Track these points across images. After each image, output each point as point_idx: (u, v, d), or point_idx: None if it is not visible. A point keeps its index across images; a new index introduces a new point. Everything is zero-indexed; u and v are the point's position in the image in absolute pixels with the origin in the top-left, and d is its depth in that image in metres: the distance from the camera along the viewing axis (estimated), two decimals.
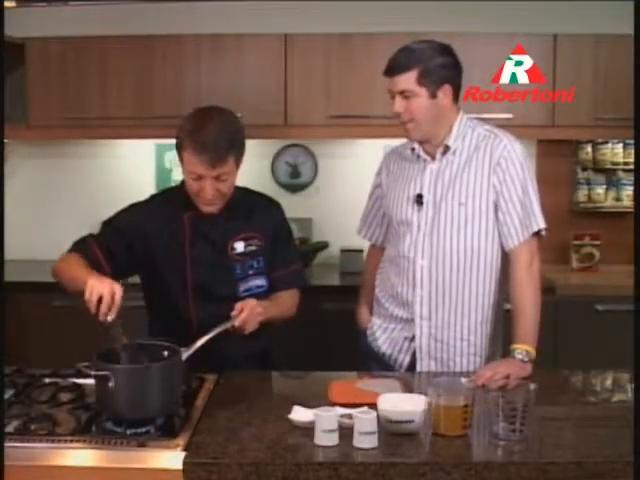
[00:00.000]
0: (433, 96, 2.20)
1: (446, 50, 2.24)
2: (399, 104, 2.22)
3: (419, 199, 2.29)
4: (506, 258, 2.29)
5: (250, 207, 2.31)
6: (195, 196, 2.18)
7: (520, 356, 2.10)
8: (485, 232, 2.25)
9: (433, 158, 2.30)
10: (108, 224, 2.26)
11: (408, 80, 2.19)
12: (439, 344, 2.31)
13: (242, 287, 2.26)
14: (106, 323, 1.82)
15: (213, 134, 2.08)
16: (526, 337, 2.14)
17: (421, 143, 2.30)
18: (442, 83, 2.20)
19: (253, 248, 2.27)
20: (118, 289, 1.85)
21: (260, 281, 2.29)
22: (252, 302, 2.12)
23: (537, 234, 2.25)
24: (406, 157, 2.37)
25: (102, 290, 1.83)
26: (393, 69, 2.22)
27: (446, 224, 2.26)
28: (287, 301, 2.33)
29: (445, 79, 2.21)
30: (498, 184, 2.22)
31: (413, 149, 2.33)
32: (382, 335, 2.42)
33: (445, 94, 2.22)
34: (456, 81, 2.25)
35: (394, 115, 2.25)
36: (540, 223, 2.24)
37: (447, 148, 2.27)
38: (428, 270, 2.29)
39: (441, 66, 2.20)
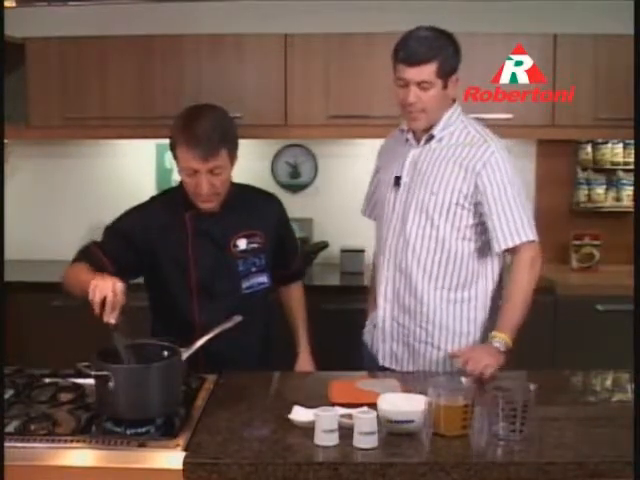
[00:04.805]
0: (445, 87, 2.21)
1: (452, 37, 2.24)
2: (414, 94, 2.20)
3: (397, 181, 2.32)
4: (495, 266, 2.29)
5: (250, 203, 2.33)
6: (192, 194, 2.18)
7: (498, 344, 2.11)
8: (451, 227, 2.24)
9: (419, 142, 2.31)
10: (110, 228, 2.27)
11: (429, 71, 2.17)
12: (400, 328, 2.33)
13: (245, 284, 2.28)
14: (110, 324, 1.81)
15: (205, 128, 2.11)
16: (507, 327, 2.15)
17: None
18: (452, 73, 2.22)
19: (255, 245, 2.29)
20: (120, 287, 1.85)
21: (262, 278, 2.31)
22: (308, 366, 2.42)
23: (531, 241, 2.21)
24: (397, 138, 2.40)
25: (105, 291, 1.82)
26: (414, 58, 2.18)
27: (416, 210, 2.27)
28: (302, 299, 2.52)
29: (455, 69, 2.22)
30: (482, 189, 2.20)
31: (402, 130, 2.35)
32: (368, 325, 2.48)
33: (453, 84, 2.23)
34: (458, 69, 2.24)
35: (405, 104, 2.22)
36: (529, 235, 2.20)
37: (432, 136, 2.28)
38: (395, 252, 2.31)
39: (452, 56, 2.21)
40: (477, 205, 2.23)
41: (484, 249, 2.28)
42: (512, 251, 2.22)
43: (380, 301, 2.36)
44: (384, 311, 2.35)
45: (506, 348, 2.11)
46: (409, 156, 2.31)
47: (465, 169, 2.22)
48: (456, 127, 2.28)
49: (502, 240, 2.20)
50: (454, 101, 2.30)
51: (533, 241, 2.21)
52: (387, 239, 2.34)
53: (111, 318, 1.82)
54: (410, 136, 2.33)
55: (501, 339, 2.12)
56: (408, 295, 2.31)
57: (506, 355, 2.10)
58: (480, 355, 2.07)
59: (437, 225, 2.25)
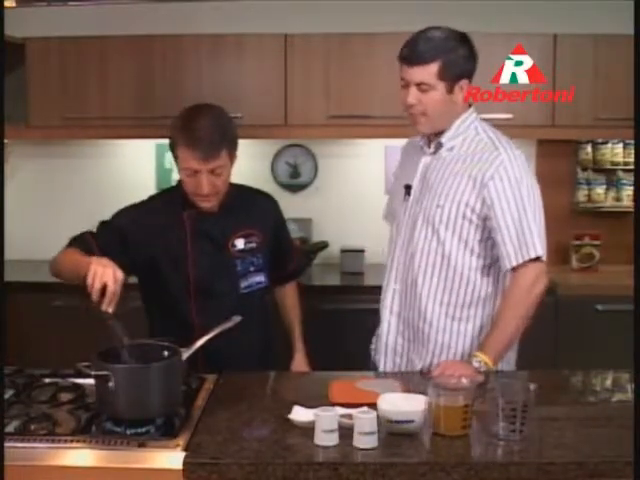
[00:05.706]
0: (450, 91, 2.12)
1: (465, 39, 2.14)
2: (414, 95, 2.11)
3: (407, 190, 2.26)
4: (499, 283, 2.21)
5: (247, 202, 2.33)
6: (192, 194, 2.19)
7: (477, 364, 2.01)
8: (458, 242, 2.15)
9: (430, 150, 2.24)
10: (105, 224, 2.25)
11: (429, 73, 2.08)
12: (405, 342, 2.28)
13: (243, 284, 2.28)
14: (106, 313, 1.80)
15: (205, 128, 2.11)
16: (491, 350, 2.04)
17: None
18: (460, 77, 2.12)
19: (253, 245, 2.29)
20: (120, 276, 1.84)
21: (260, 277, 2.32)
22: (303, 367, 2.42)
23: (538, 259, 2.09)
24: (414, 145, 2.33)
25: (106, 278, 1.81)
26: (413, 58, 2.10)
27: (423, 222, 2.19)
28: (297, 298, 2.52)
29: (464, 73, 2.12)
30: (489, 203, 2.10)
31: (419, 135, 2.28)
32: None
33: (461, 89, 2.14)
34: (472, 74, 2.16)
35: (405, 106, 2.15)
36: (538, 250, 2.08)
37: (440, 144, 2.20)
38: (403, 264, 2.24)
39: (462, 59, 2.11)
40: (486, 220, 2.12)
41: (494, 266, 2.17)
42: (514, 269, 2.10)
43: (385, 314, 2.29)
44: (389, 324, 2.28)
45: (485, 369, 2.00)
46: (420, 164, 2.24)
47: (473, 180, 2.12)
48: (468, 134, 2.18)
49: (512, 257, 2.08)
50: (470, 106, 2.21)
51: (539, 257, 2.09)
52: (396, 251, 2.27)
53: (110, 307, 1.81)
54: (423, 142, 2.25)
55: (481, 360, 2.01)
56: (413, 310, 2.23)
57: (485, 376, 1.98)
58: (456, 366, 2.01)
59: (443, 240, 2.15)
